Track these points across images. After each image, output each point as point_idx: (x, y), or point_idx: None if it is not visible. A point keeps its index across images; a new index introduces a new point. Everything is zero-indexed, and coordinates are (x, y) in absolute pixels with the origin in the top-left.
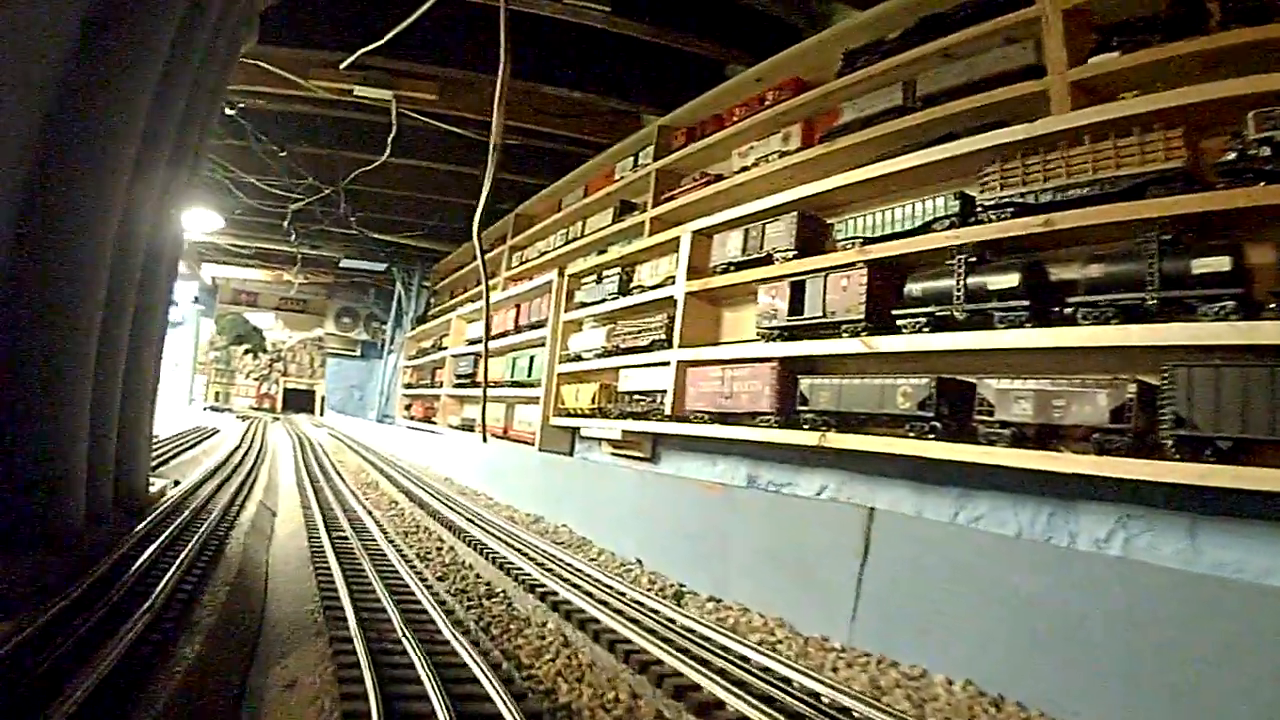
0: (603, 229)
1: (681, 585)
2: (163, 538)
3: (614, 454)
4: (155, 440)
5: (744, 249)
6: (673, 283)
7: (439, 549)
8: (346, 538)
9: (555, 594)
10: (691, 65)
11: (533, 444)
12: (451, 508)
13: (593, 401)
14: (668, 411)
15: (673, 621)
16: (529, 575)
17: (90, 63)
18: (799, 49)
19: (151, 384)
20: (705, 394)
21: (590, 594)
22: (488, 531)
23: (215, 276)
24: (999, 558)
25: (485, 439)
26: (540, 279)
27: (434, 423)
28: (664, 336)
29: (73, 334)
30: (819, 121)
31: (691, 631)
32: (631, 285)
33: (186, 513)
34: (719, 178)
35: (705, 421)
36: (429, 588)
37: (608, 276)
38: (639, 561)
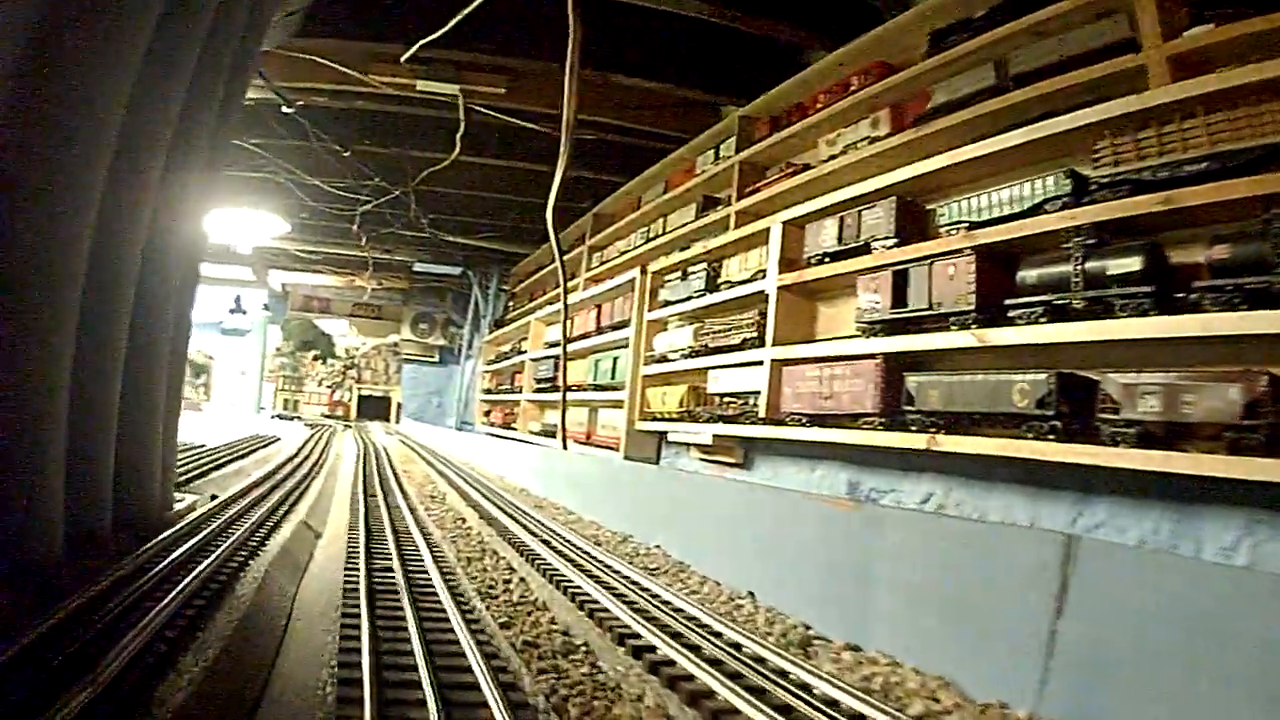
0: (685, 225)
1: (808, 629)
2: (158, 569)
3: (703, 460)
4: (202, 450)
5: (839, 238)
6: (763, 277)
7: (507, 582)
8: (391, 571)
9: (652, 649)
10: (768, 52)
11: (617, 450)
12: (526, 526)
13: (680, 404)
14: (762, 414)
15: (808, 690)
16: (617, 620)
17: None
18: (882, 31)
19: (163, 394)
20: (803, 395)
21: (697, 647)
22: (567, 557)
23: (285, 283)
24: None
25: (565, 445)
26: (621, 277)
27: (514, 429)
28: (756, 334)
29: (36, 341)
30: (909, 105)
31: (834, 706)
32: (719, 281)
33: (205, 534)
34: (806, 167)
35: (803, 424)
36: (487, 641)
37: (693, 273)
38: (750, 595)
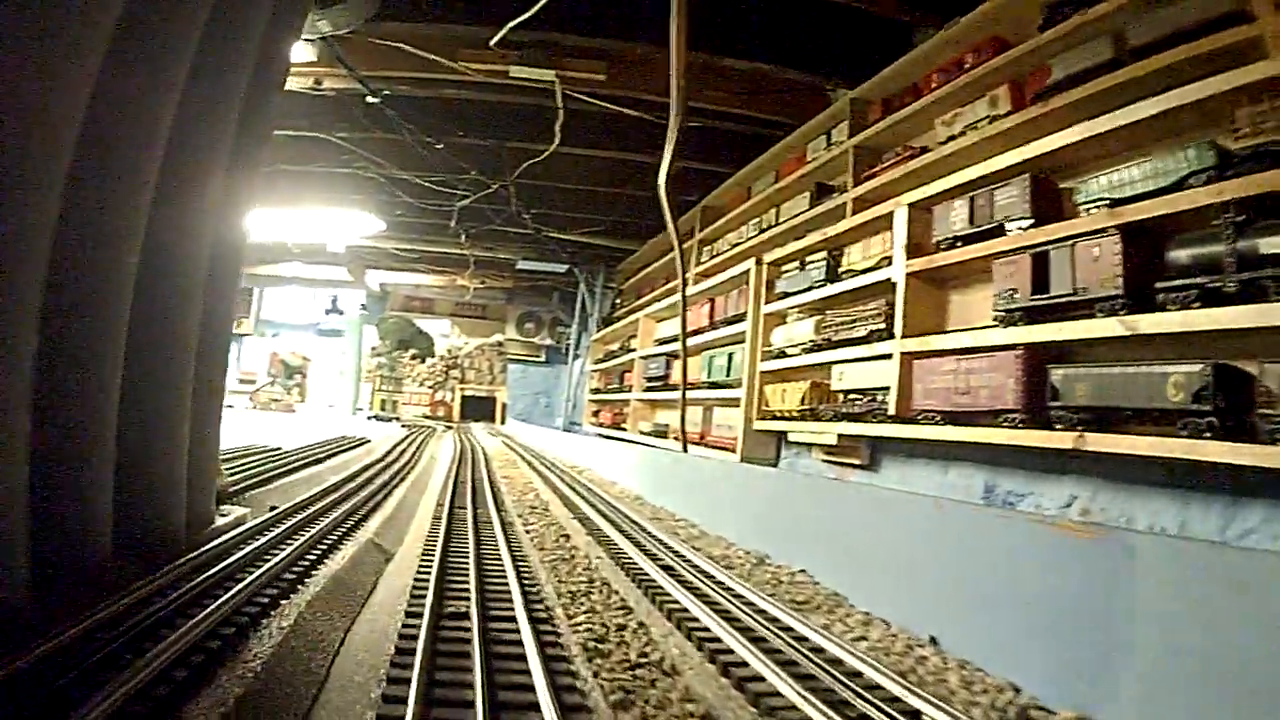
0: (799, 215)
1: (1016, 691)
2: (143, 616)
3: (826, 461)
4: (274, 454)
5: (971, 220)
6: (889, 264)
7: (621, 629)
8: (467, 618)
9: None
10: (875, 30)
11: (734, 451)
12: (642, 545)
13: (802, 402)
14: (891, 411)
15: None
16: (771, 689)
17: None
18: (993, 6)
19: (181, 396)
20: (936, 390)
21: None
22: (696, 590)
23: (383, 283)
24: None
25: (685, 447)
26: (735, 270)
27: (623, 429)
28: (883, 326)
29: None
30: (1028, 82)
31: None
32: (840, 270)
33: (238, 559)
34: (923, 150)
35: (936, 422)
36: None
37: (812, 262)
38: (932, 641)
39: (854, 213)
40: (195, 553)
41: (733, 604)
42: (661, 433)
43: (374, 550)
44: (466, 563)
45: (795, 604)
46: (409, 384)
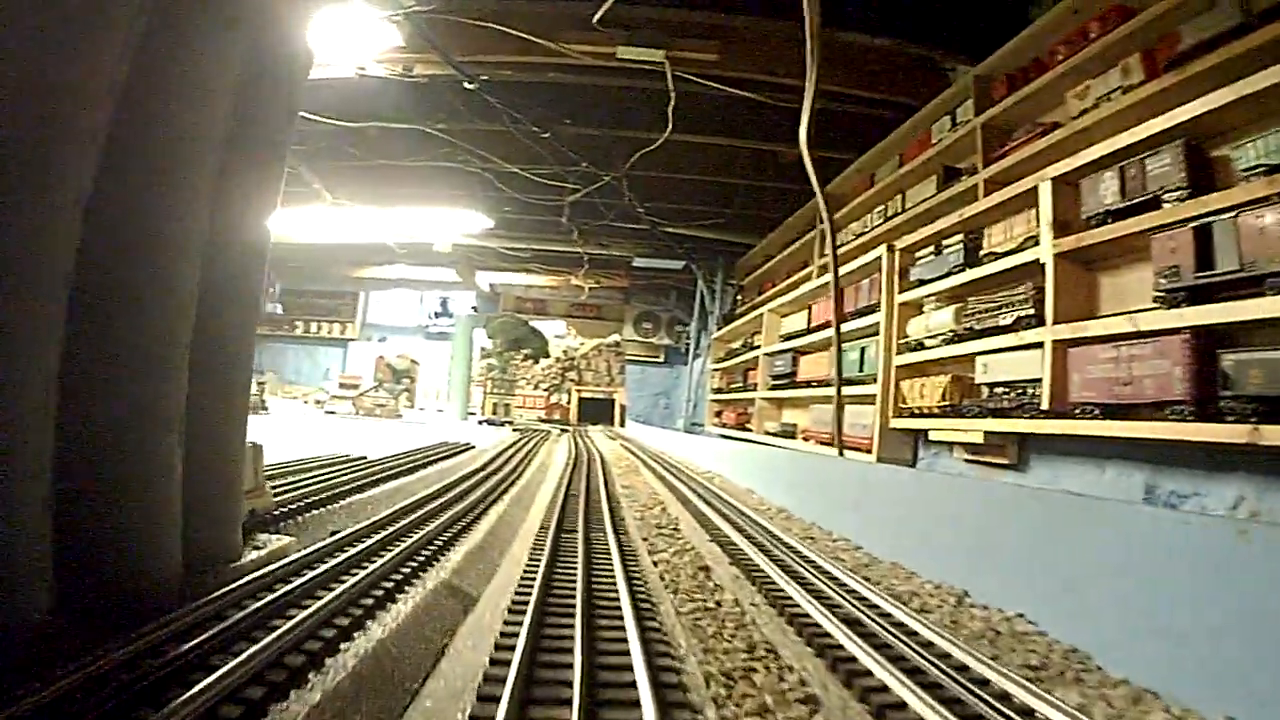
0: (926, 200)
1: None
2: None
3: (969, 461)
4: (355, 466)
5: (1122, 192)
6: (1035, 244)
7: None
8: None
9: None
10: (990, 2)
11: (868, 451)
12: (806, 583)
13: (943, 398)
14: (1044, 405)
15: None
16: None
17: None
18: None
19: (176, 411)
20: (1094, 381)
21: None
22: (901, 661)
23: (494, 284)
24: None
25: (841, 450)
26: (865, 258)
27: (748, 429)
28: (1031, 311)
29: None
30: (1158, 49)
31: None
32: (981, 254)
33: (245, 618)
34: (1055, 125)
35: (1094, 416)
36: None
37: (948, 247)
38: None
39: (986, 194)
40: (180, 611)
41: (930, 670)
42: (789, 433)
43: (447, 598)
44: (572, 622)
45: (1029, 670)
46: (522, 386)
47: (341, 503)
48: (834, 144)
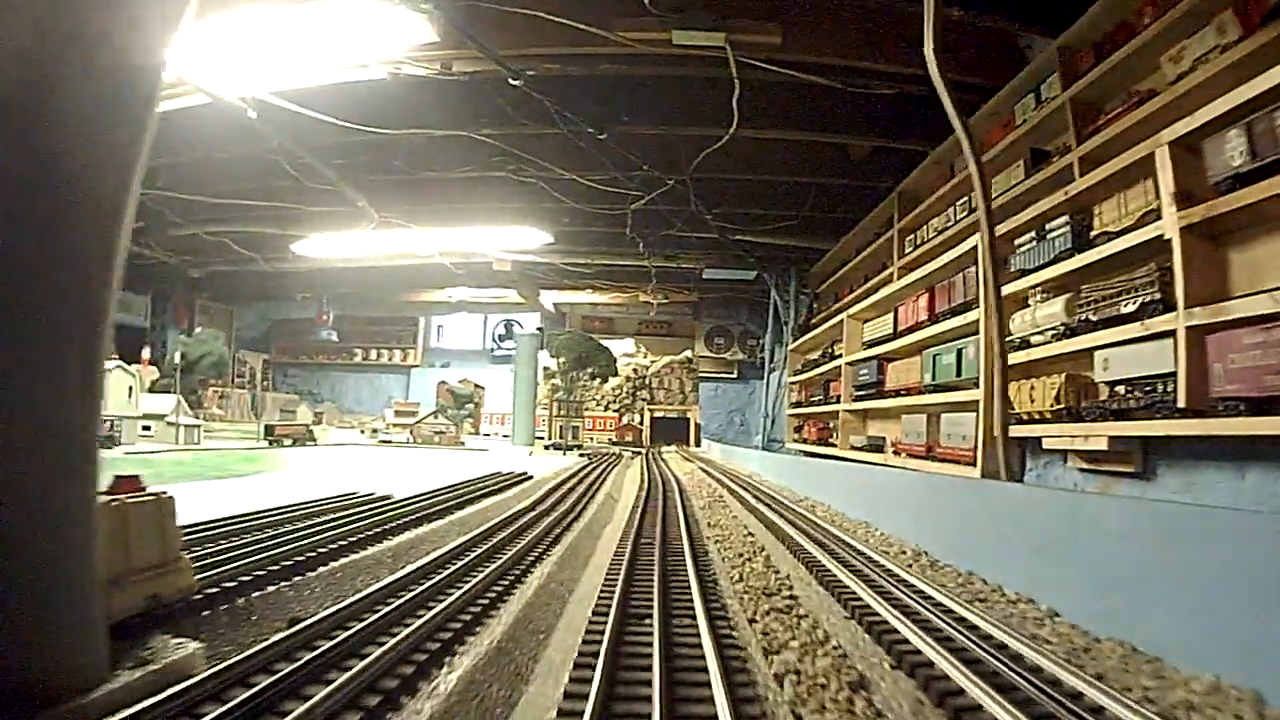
0: (1014, 186)
1: None
2: None
3: (1086, 471)
4: (382, 506)
5: (1251, 152)
6: (1155, 218)
7: None
8: None
9: None
10: None
11: (970, 463)
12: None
13: (1056, 400)
14: (1180, 403)
15: None
16: None
17: None
18: None
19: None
20: (1239, 371)
21: None
22: None
23: (558, 304)
24: None
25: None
26: (956, 250)
27: (831, 444)
28: (1158, 296)
29: None
30: (1251, 3)
31: None
32: (1092, 235)
33: None
34: (1151, 94)
35: (1239, 413)
36: None
37: (1052, 230)
38: None
39: (1082, 173)
40: None
41: None
42: (877, 446)
43: None
44: None
45: None
46: (591, 408)
47: (325, 568)
48: (908, 132)
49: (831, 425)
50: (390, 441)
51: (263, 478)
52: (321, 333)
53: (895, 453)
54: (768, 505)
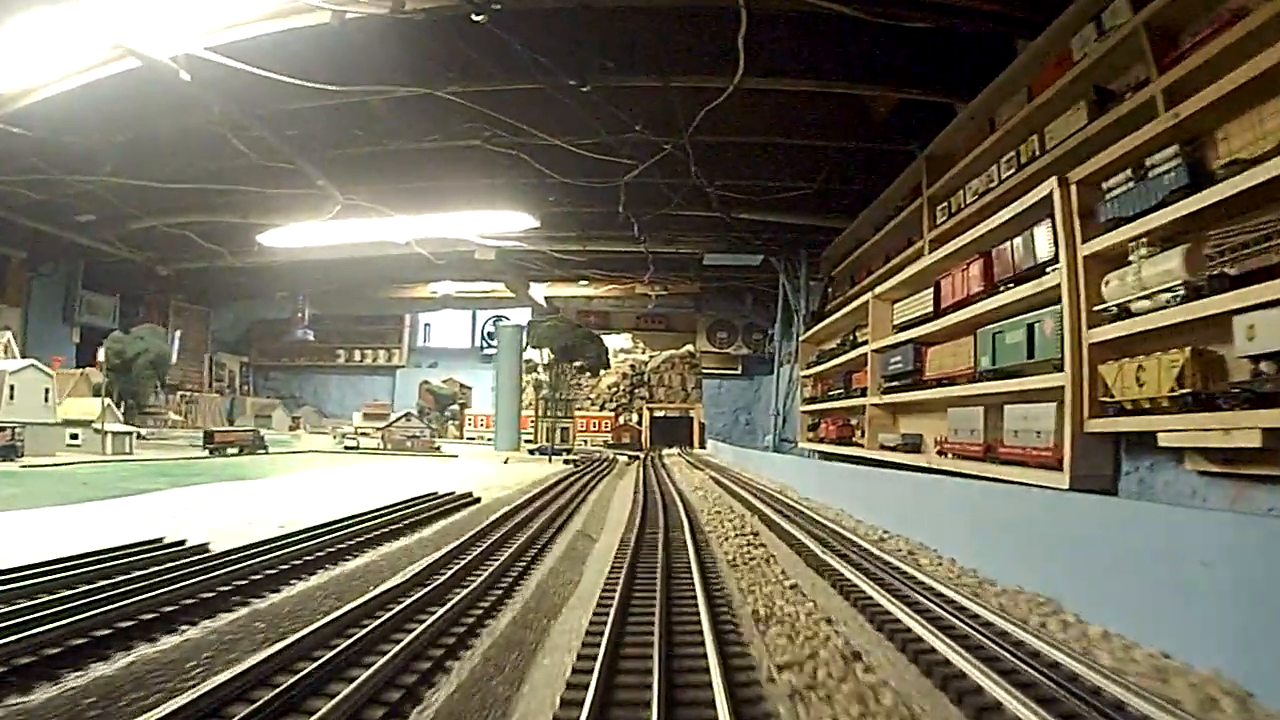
0: (1075, 133)
1: None
2: None
3: (1207, 475)
4: (186, 565)
5: None
6: None
7: None
8: None
9: None
10: None
11: (1051, 466)
12: None
13: (1178, 383)
14: None
15: None
16: None
17: None
18: None
19: None
20: None
21: None
22: None
23: (549, 297)
24: None
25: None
26: (1009, 211)
27: (856, 444)
28: None
29: None
30: None
31: None
32: (1215, 167)
33: None
34: (1243, 11)
35: None
36: None
37: (1157, 165)
38: None
39: (1168, 108)
40: None
41: None
42: (912, 446)
43: None
44: None
45: None
46: (584, 406)
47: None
48: (939, 82)
49: (854, 422)
50: (356, 448)
51: (132, 502)
52: (298, 332)
53: (940, 453)
54: (796, 522)
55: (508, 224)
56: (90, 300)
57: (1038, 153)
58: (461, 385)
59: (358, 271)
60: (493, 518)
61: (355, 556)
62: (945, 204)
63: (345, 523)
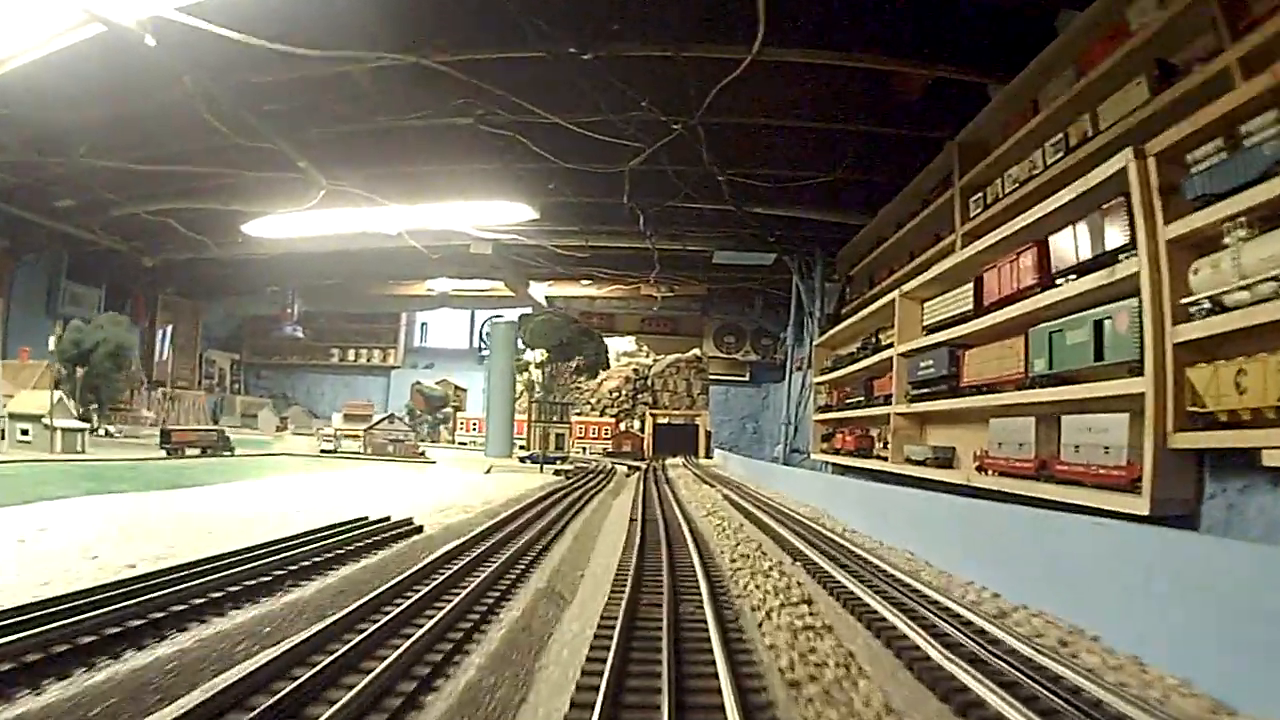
0: (1135, 111)
1: None
2: None
3: None
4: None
5: None
6: None
7: None
8: None
9: None
10: None
11: (1124, 487)
12: None
13: None
14: None
15: None
16: None
17: None
18: None
19: None
20: None
21: None
22: None
23: (551, 297)
24: None
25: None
26: (1070, 191)
27: (879, 457)
28: None
29: None
30: None
31: None
32: None
33: None
34: None
35: None
36: None
37: (1252, 133)
38: None
39: (1246, 77)
40: None
41: None
42: (944, 460)
43: None
44: None
45: None
46: (584, 411)
47: None
48: (970, 57)
49: (875, 433)
50: (334, 451)
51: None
52: (286, 328)
53: (979, 468)
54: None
55: (505, 215)
56: (74, 292)
57: (1090, 134)
58: (456, 387)
59: (351, 267)
60: (422, 563)
61: (328, 574)
62: (980, 194)
63: (202, 567)
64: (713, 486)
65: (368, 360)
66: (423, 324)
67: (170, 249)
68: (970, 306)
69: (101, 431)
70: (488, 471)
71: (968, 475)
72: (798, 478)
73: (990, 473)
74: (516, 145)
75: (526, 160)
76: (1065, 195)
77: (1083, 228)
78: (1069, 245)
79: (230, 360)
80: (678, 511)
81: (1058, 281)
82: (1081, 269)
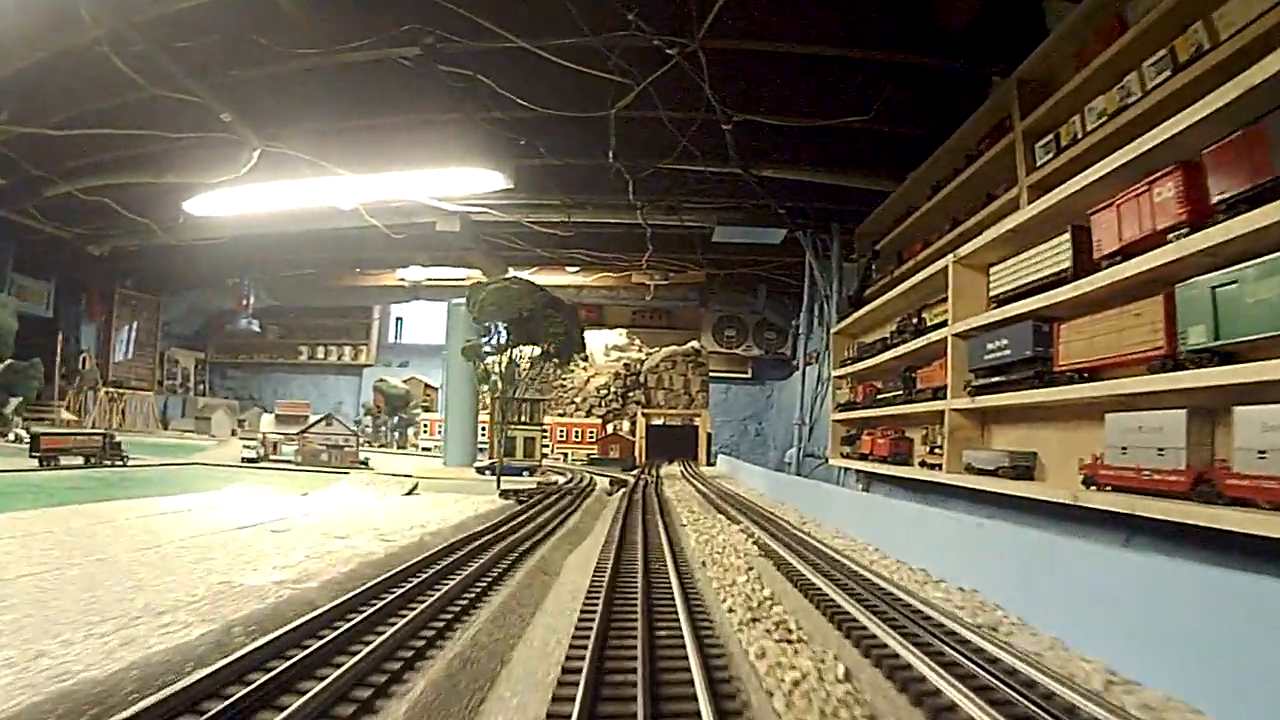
0: (1270, 11)
1: None
2: None
3: None
4: None
5: None
6: None
7: None
8: None
9: None
10: None
11: None
12: None
13: None
14: None
15: None
16: None
17: None
18: None
19: None
20: None
21: None
22: None
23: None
24: None
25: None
26: (1204, 106)
27: (926, 464)
28: None
29: None
30: None
31: None
32: None
33: None
34: None
35: None
36: None
37: None
38: None
39: None
40: None
41: None
42: (1022, 470)
43: None
44: None
45: None
46: (568, 411)
47: None
48: None
49: (916, 435)
50: (256, 460)
51: None
52: (241, 321)
53: (1088, 482)
54: None
55: (473, 183)
56: (22, 285)
57: (1206, 46)
58: (428, 386)
59: (314, 254)
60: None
61: None
62: (1050, 138)
63: None
64: (726, 515)
65: (339, 358)
66: (397, 319)
67: (116, 235)
68: (1069, 264)
69: (12, 436)
70: (410, 492)
71: (1074, 493)
72: (845, 503)
73: (1106, 488)
74: (479, 86)
75: (492, 106)
76: (1229, 88)
77: (1258, 135)
78: (1242, 158)
79: (195, 359)
80: (673, 513)
81: (1221, 215)
82: (1258, 195)
